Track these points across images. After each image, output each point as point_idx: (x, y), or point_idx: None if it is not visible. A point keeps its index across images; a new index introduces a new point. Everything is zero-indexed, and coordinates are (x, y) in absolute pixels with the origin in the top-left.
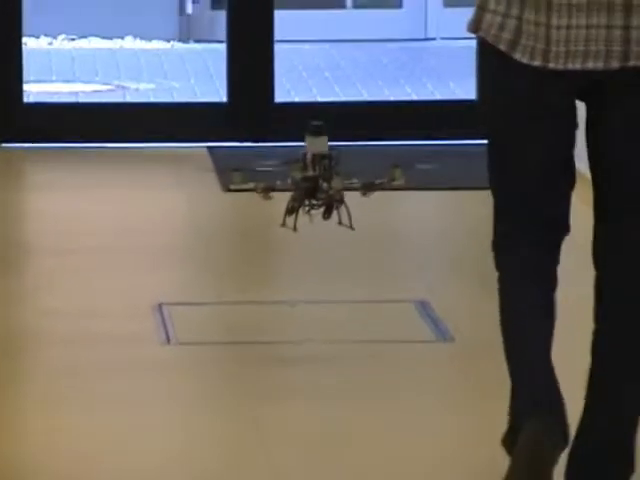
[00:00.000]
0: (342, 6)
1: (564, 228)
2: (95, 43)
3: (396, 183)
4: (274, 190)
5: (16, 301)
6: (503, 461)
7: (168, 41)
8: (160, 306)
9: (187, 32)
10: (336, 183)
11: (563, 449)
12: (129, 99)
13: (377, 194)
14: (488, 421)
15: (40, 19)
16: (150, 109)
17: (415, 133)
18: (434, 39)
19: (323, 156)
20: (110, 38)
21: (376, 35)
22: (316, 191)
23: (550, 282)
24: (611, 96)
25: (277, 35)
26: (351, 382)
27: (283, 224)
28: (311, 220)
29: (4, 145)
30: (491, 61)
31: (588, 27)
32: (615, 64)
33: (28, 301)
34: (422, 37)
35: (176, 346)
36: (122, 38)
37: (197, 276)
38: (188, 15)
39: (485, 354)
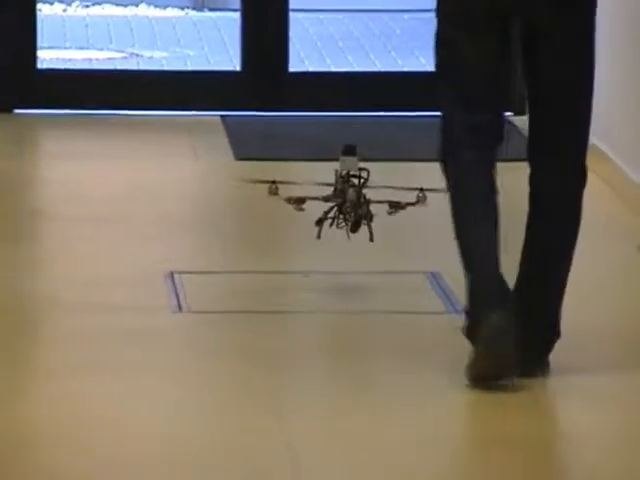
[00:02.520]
0: None
1: (499, 136)
2: (109, 10)
3: (421, 205)
4: (304, 202)
5: (29, 268)
6: (511, 428)
7: (182, 9)
8: (172, 274)
9: (202, 0)
10: (359, 198)
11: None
12: (142, 67)
13: (390, 164)
14: (496, 391)
15: None
16: (163, 77)
17: (429, 104)
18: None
19: (353, 175)
20: (124, 5)
21: (390, 5)
22: (344, 204)
23: (492, 184)
24: (541, 15)
25: (292, 4)
26: (364, 352)
27: (317, 236)
28: (348, 236)
29: (17, 111)
30: None
31: None
32: None
33: (41, 268)
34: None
35: (188, 314)
36: (136, 5)
37: (209, 245)
38: None
39: None
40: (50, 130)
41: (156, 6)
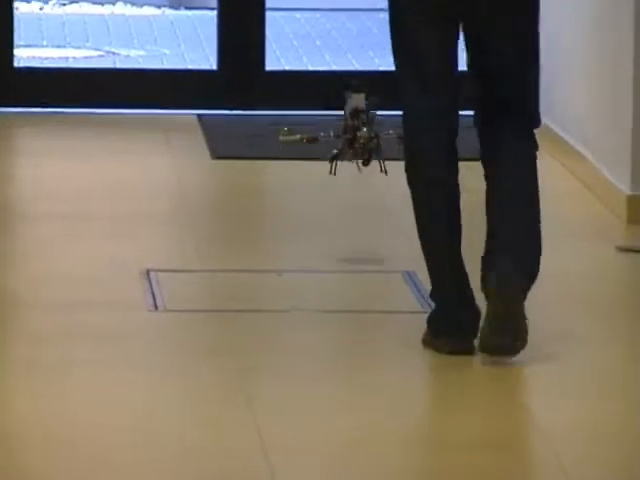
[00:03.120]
0: None
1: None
2: (86, 8)
3: None
4: (317, 140)
5: (2, 267)
6: (477, 426)
7: (159, 7)
8: (148, 272)
9: None
10: (369, 134)
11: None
12: (119, 65)
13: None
14: (469, 390)
15: None
16: (140, 75)
17: None
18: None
19: (361, 110)
20: (101, 4)
21: (367, 4)
22: (355, 141)
23: (453, 169)
24: (484, 11)
25: (268, 3)
26: (338, 351)
27: (330, 172)
28: (360, 170)
29: None
30: None
31: None
32: None
33: (15, 266)
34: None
35: (164, 313)
36: (113, 4)
37: (186, 243)
38: None
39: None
40: (26, 128)
41: (133, 4)
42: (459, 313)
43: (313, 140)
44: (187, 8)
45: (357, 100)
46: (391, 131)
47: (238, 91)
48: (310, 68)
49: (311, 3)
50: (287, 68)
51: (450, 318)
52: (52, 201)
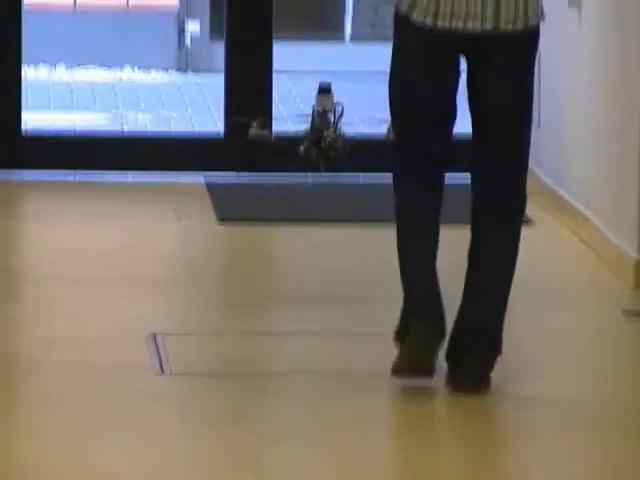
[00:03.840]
0: (340, 39)
1: (446, 163)
2: (94, 73)
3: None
4: (286, 138)
5: (11, 329)
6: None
7: (167, 71)
8: (154, 336)
9: (185, 62)
10: (336, 134)
11: (442, 340)
12: (127, 129)
13: (365, 231)
14: (456, 452)
15: (39, 48)
16: (147, 139)
17: None
18: None
19: (329, 111)
20: (109, 68)
21: (374, 67)
22: (322, 140)
23: (437, 206)
24: (486, 53)
25: (275, 65)
26: (345, 413)
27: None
28: (322, 169)
29: (1, 173)
30: (397, 20)
31: None
32: (488, 26)
33: (21, 329)
34: None
35: (170, 376)
36: (121, 68)
37: (192, 307)
38: (187, 46)
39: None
40: (34, 192)
41: (140, 69)
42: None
43: (282, 139)
44: (194, 72)
45: (325, 101)
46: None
47: (245, 155)
48: None
49: (318, 66)
50: (294, 130)
51: (418, 323)
52: (60, 265)
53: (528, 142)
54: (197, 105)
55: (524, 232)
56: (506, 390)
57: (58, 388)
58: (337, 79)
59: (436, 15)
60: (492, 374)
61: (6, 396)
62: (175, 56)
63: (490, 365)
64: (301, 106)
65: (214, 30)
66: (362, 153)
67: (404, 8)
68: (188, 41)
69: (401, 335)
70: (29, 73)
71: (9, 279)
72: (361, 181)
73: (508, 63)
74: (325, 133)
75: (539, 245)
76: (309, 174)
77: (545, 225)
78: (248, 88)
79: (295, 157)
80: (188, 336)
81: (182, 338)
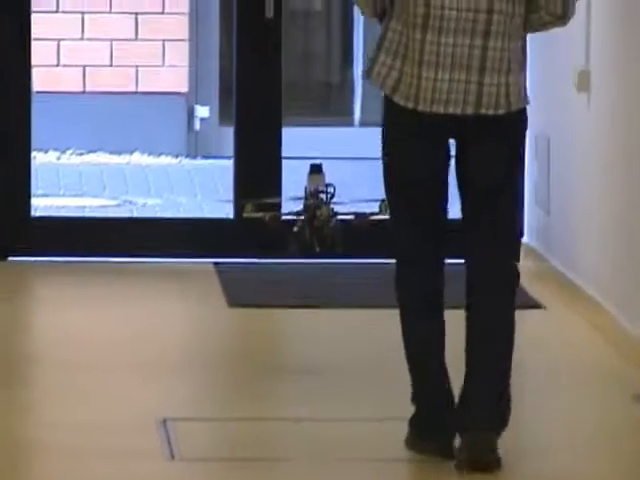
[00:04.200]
0: (349, 124)
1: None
2: (103, 158)
3: (383, 214)
4: (280, 218)
5: (21, 413)
6: None
7: (176, 157)
8: (164, 421)
9: (195, 148)
10: (329, 213)
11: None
12: (136, 214)
13: (378, 314)
14: None
15: (49, 133)
16: (157, 224)
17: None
18: None
19: (321, 191)
20: (118, 153)
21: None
22: (314, 219)
23: (439, 294)
24: (469, 136)
25: (284, 151)
26: None
27: (289, 247)
28: (317, 249)
29: (11, 258)
30: (384, 101)
31: (450, 81)
32: (470, 110)
33: (33, 413)
34: None
35: (180, 462)
36: (130, 153)
37: (202, 391)
38: (196, 131)
39: (481, 472)
40: (43, 277)
41: (150, 154)
42: (443, 416)
43: (275, 219)
44: (204, 157)
45: (317, 181)
46: (349, 215)
47: (255, 239)
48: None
49: (327, 151)
50: (303, 217)
51: (435, 420)
52: (69, 349)
53: (515, 221)
54: (207, 190)
55: (534, 315)
56: (514, 469)
57: (66, 473)
58: (347, 165)
59: (417, 99)
60: (501, 453)
61: None
62: (184, 141)
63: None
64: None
65: (223, 115)
66: (357, 236)
67: (387, 91)
68: (197, 126)
69: (417, 427)
70: (38, 158)
71: (18, 364)
72: (375, 265)
73: (492, 146)
74: (318, 212)
75: (550, 329)
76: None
77: (556, 310)
78: (257, 173)
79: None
80: (198, 421)
81: (192, 423)
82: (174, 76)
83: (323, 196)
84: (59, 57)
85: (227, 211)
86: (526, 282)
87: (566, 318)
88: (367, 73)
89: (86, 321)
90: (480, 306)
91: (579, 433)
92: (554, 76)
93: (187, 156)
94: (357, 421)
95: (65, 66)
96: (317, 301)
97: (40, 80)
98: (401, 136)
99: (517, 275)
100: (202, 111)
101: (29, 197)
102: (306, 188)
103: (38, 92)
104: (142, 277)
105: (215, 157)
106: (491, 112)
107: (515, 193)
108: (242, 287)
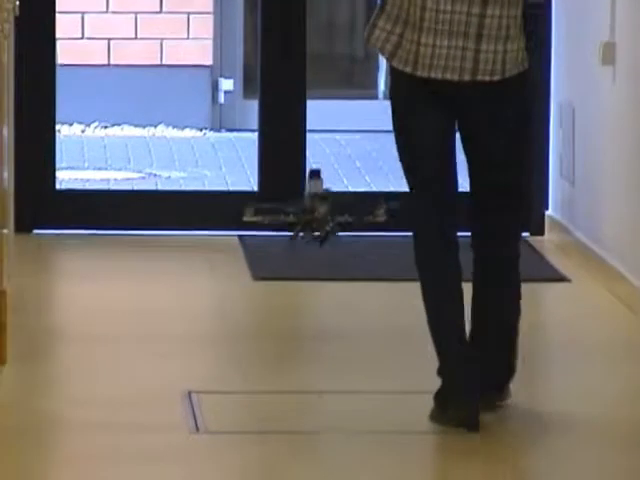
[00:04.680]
0: (374, 97)
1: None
2: (128, 131)
3: (379, 219)
4: (279, 222)
5: (44, 387)
6: None
7: (200, 130)
8: (189, 394)
9: (219, 121)
10: (327, 215)
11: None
12: (160, 187)
13: (401, 287)
14: None
15: (73, 106)
16: (181, 197)
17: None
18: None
19: (320, 196)
20: (143, 126)
21: None
22: (313, 221)
23: (455, 244)
24: (467, 102)
25: (309, 125)
26: (380, 474)
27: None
28: (320, 245)
29: (36, 231)
30: (388, 65)
31: (449, 47)
32: (467, 77)
33: (57, 387)
34: None
35: (205, 434)
36: (155, 126)
37: (227, 364)
38: (220, 104)
39: (508, 444)
40: (68, 249)
41: (174, 127)
42: (465, 384)
43: (276, 223)
44: (228, 130)
45: (316, 185)
46: (347, 215)
47: (278, 212)
48: (350, 189)
49: (351, 125)
50: (328, 189)
51: (456, 388)
52: (94, 323)
53: (521, 187)
54: (231, 163)
55: (559, 288)
56: (543, 446)
57: (92, 447)
58: (371, 138)
59: (415, 64)
60: (529, 434)
61: (43, 456)
62: (209, 114)
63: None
64: (335, 166)
65: (248, 88)
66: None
67: (386, 55)
68: (222, 99)
69: (440, 399)
70: (63, 131)
71: (44, 338)
72: (399, 237)
73: (494, 112)
74: (316, 214)
75: (574, 302)
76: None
77: (580, 282)
78: (282, 146)
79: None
80: (223, 394)
81: (217, 396)
82: (199, 49)
83: (321, 199)
84: (84, 30)
85: (252, 184)
86: (550, 255)
87: (591, 290)
88: (367, 38)
89: (110, 294)
90: (487, 272)
91: (603, 403)
92: (579, 48)
93: (211, 129)
94: (382, 394)
95: (90, 39)
96: (342, 274)
97: (65, 53)
98: (404, 99)
99: (519, 239)
100: (226, 84)
101: (54, 170)
102: (305, 190)
103: (63, 65)
104: (166, 250)
105: (239, 130)
106: (487, 78)
107: (522, 159)
108: (267, 260)
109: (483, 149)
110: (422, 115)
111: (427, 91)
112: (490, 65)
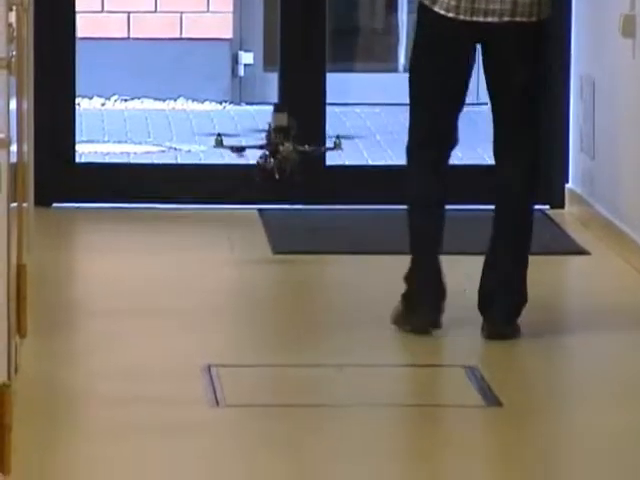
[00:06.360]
0: (394, 70)
1: (456, 141)
2: (148, 104)
3: (337, 150)
4: (244, 150)
5: (64, 361)
6: None
7: (220, 103)
8: (209, 368)
9: (239, 94)
10: (291, 147)
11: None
12: (180, 161)
13: None
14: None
15: (93, 80)
16: (201, 171)
17: (467, 198)
18: (485, 104)
19: (283, 127)
20: (162, 99)
21: None
22: (277, 153)
23: (445, 181)
24: (501, 39)
25: (329, 98)
26: (399, 446)
27: (255, 178)
28: (277, 178)
29: (56, 205)
30: (419, 8)
31: None
32: (506, 18)
33: (76, 361)
34: (474, 102)
35: (225, 408)
36: (174, 99)
37: (246, 338)
38: (240, 77)
39: (532, 420)
40: (88, 223)
41: (194, 100)
42: (434, 298)
43: (240, 150)
44: (248, 104)
45: (280, 119)
46: (307, 146)
47: (298, 186)
48: (370, 163)
49: (371, 98)
50: (347, 163)
51: (426, 301)
52: (113, 297)
53: (539, 121)
54: (251, 136)
55: (579, 261)
56: (564, 418)
57: (111, 421)
58: (391, 111)
59: (457, 9)
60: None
61: (64, 429)
62: (229, 87)
63: (516, 312)
64: (355, 140)
65: (268, 61)
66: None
67: (426, 2)
68: (242, 72)
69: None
70: (83, 104)
71: (64, 312)
72: None
73: (522, 48)
74: (281, 148)
75: (595, 275)
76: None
77: (601, 255)
78: (301, 119)
79: (348, 189)
80: (243, 368)
81: (237, 370)
82: (218, 22)
83: (285, 133)
84: (103, 3)
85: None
86: (571, 228)
87: (611, 264)
88: None
89: (128, 268)
90: (503, 203)
91: (625, 373)
92: (600, 20)
93: (231, 102)
94: (400, 367)
95: (109, 12)
96: (363, 248)
97: (84, 26)
98: (433, 41)
99: (539, 174)
100: (246, 57)
101: (74, 143)
102: (269, 124)
103: (82, 38)
104: (185, 224)
105: (259, 103)
106: (525, 19)
107: (539, 90)
108: (287, 234)
109: (509, 85)
110: (447, 56)
111: (459, 32)
112: (527, 8)
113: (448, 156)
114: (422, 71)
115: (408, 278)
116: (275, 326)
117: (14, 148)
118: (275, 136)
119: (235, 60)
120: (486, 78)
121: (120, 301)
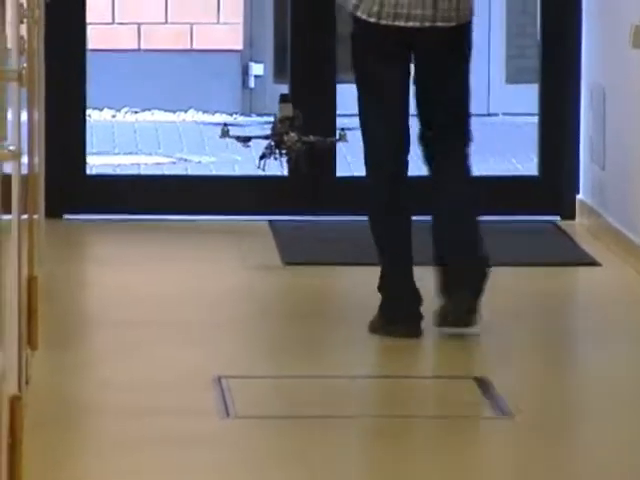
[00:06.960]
0: None
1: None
2: (158, 116)
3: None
4: (250, 140)
5: (76, 373)
6: None
7: (231, 114)
8: (219, 379)
9: (249, 105)
10: (296, 137)
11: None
12: (191, 172)
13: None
14: None
15: (104, 92)
16: (212, 182)
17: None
18: (496, 115)
19: (288, 118)
20: (173, 111)
21: None
22: (282, 143)
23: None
24: (426, 47)
25: (339, 109)
26: (411, 458)
27: (258, 167)
28: (284, 168)
29: (66, 217)
30: (351, 17)
31: None
32: (427, 24)
33: (87, 372)
34: (484, 113)
35: (236, 420)
36: (185, 111)
37: (257, 349)
38: (251, 88)
39: (545, 431)
40: (99, 235)
41: (204, 112)
42: (413, 306)
43: (246, 140)
44: (258, 115)
45: (285, 109)
46: (311, 137)
47: (309, 197)
48: None
49: None
50: (356, 174)
51: (405, 309)
52: (124, 308)
53: (466, 103)
54: (261, 148)
55: (590, 272)
56: (575, 434)
57: (122, 432)
58: None
59: (379, 14)
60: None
61: (73, 440)
62: (239, 98)
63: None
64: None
65: (278, 72)
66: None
67: (349, 7)
68: (252, 83)
69: (388, 314)
70: (93, 116)
71: (75, 322)
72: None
73: (445, 52)
74: (286, 138)
75: (605, 286)
76: None
77: (611, 266)
78: (313, 132)
79: (359, 201)
80: (253, 379)
81: (247, 381)
82: (229, 33)
83: (291, 123)
84: (114, 15)
85: (282, 169)
86: (581, 239)
87: (622, 274)
88: None
89: (140, 279)
90: (441, 178)
91: (635, 389)
92: (610, 30)
93: (242, 114)
94: (414, 378)
95: (120, 24)
96: (373, 258)
97: (95, 38)
98: (365, 47)
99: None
100: (257, 68)
101: (84, 155)
102: (275, 115)
103: (93, 50)
104: (196, 235)
105: (270, 115)
106: (445, 24)
107: (464, 89)
108: (297, 245)
109: (434, 89)
110: (383, 60)
111: (390, 40)
112: (447, 13)
113: (406, 162)
114: (360, 69)
115: (382, 288)
116: (286, 337)
117: (25, 160)
118: (280, 126)
119: (245, 71)
120: (415, 86)
121: (131, 312)
